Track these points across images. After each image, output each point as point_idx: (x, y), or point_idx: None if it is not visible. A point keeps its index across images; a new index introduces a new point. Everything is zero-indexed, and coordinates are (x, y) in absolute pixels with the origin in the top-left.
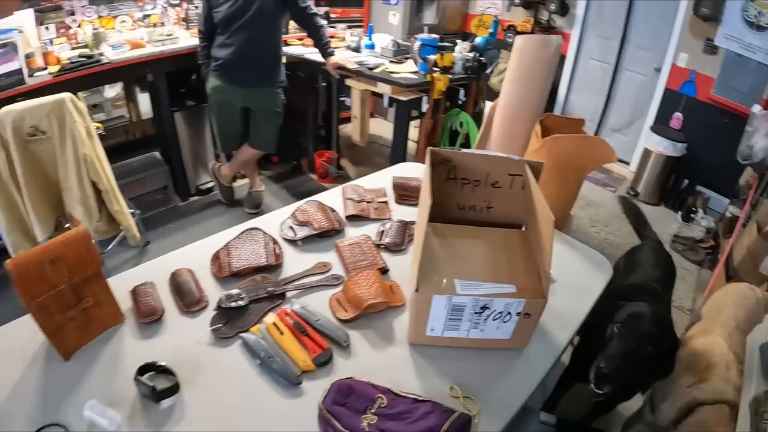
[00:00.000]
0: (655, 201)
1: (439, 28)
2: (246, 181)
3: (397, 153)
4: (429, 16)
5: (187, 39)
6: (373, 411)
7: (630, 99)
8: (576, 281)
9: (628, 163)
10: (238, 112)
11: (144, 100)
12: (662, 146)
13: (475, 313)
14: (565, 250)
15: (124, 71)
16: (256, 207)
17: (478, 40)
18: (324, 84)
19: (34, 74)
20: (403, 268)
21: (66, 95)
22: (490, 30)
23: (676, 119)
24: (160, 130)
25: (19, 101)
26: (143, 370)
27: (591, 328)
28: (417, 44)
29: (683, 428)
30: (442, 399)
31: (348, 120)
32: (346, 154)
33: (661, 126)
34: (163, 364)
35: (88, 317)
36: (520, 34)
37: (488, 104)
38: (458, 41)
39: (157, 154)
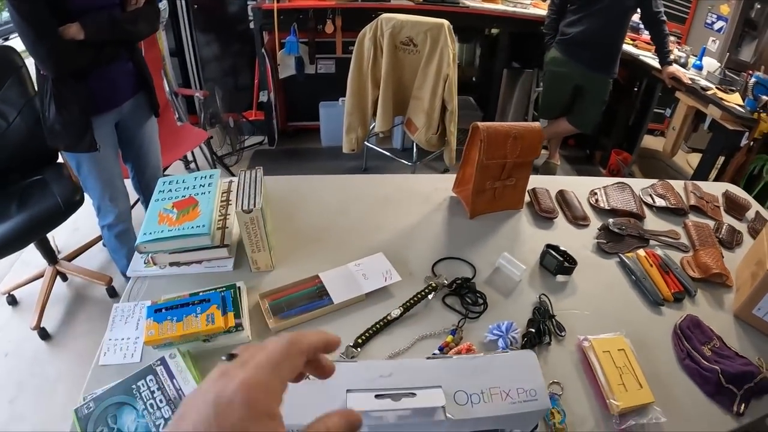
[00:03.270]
0: None
1: (752, 67)
2: (545, 151)
3: (700, 175)
4: (746, 53)
5: (532, 9)
6: (709, 346)
7: None
8: None
9: None
10: (570, 88)
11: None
12: None
13: None
14: None
15: (475, 18)
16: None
17: None
18: (635, 89)
19: None
20: (730, 261)
21: (445, 21)
22: None
23: None
24: (484, 80)
25: (373, 17)
26: (549, 246)
27: None
28: (752, 80)
29: None
30: None
31: (651, 132)
32: (638, 162)
33: None
34: (565, 249)
35: (503, 193)
36: None
37: None
38: None
39: (471, 99)
